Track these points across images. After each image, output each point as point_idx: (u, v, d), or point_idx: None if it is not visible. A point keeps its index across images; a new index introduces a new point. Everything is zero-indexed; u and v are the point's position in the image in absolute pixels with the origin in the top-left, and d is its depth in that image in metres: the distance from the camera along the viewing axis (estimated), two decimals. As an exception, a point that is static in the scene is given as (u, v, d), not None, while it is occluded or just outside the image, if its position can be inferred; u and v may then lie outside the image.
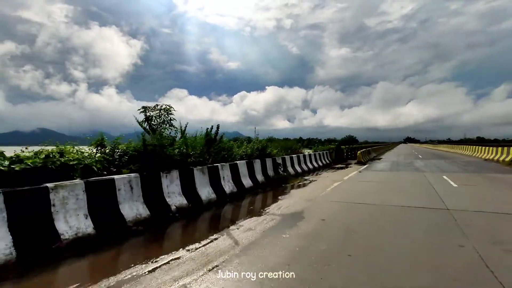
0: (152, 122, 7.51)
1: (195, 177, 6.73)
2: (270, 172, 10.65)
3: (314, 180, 11.08)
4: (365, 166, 17.29)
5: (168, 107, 7.64)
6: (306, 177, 12.07)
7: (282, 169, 11.51)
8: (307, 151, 19.83)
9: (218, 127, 7.96)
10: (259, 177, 9.73)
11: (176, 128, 7.80)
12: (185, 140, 7.08)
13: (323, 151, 19.46)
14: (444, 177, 11.30)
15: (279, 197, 7.73)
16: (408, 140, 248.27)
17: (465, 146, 34.36)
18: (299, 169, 13.46)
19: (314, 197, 7.57)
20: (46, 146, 5.04)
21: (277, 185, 9.82)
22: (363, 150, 21.46)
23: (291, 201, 7.20)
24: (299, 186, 9.66)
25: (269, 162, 10.76)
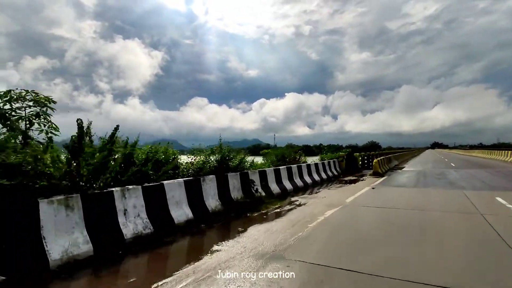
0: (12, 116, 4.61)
1: (40, 219, 3.67)
2: (236, 194, 7.43)
3: (302, 204, 7.72)
4: (383, 178, 13.62)
5: (35, 95, 4.70)
6: (294, 198, 8.71)
7: (256, 188, 8.23)
8: (313, 160, 16.49)
9: (116, 128, 4.80)
10: (212, 202, 6.54)
11: (56, 127, 4.85)
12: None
13: (330, 159, 15.94)
14: (498, 199, 7.59)
15: (216, 246, 4.49)
16: (436, 145, 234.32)
17: (506, 151, 29.34)
18: (288, 186, 10.09)
19: (274, 248, 4.28)
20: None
21: (238, 215, 6.57)
22: (382, 157, 17.68)
23: (228, 255, 3.96)
24: (269, 218, 6.35)
25: (234, 179, 7.54)
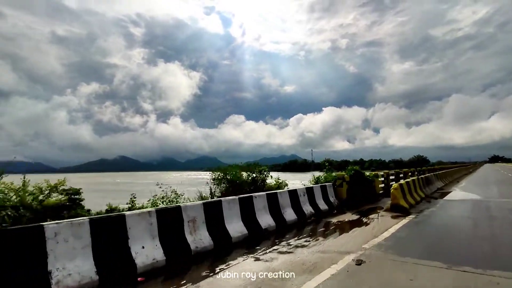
0: None
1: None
2: None
3: None
4: (404, 221, 7.36)
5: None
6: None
7: None
8: (303, 183, 10.89)
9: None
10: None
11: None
12: None
13: (322, 183, 10.00)
14: None
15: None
16: (496, 158, 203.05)
17: None
18: (192, 241, 4.69)
19: None
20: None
21: None
22: (411, 179, 11.18)
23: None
24: None
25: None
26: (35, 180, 5.93)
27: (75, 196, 7.36)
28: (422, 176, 13.98)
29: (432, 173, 16.72)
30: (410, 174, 16.58)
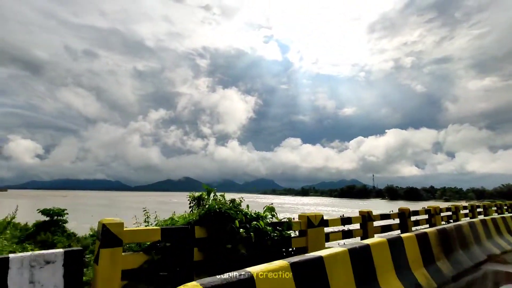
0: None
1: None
2: None
3: None
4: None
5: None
6: None
7: None
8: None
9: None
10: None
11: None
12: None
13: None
14: None
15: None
16: None
17: None
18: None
19: None
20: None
21: None
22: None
23: None
24: None
25: None
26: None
27: (59, 217, 7.13)
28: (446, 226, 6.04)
29: (464, 223, 6.75)
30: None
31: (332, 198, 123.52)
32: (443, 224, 8.04)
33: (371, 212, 6.83)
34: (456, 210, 10.40)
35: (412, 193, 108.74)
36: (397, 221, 7.94)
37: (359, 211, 6.89)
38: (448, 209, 10.28)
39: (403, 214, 7.92)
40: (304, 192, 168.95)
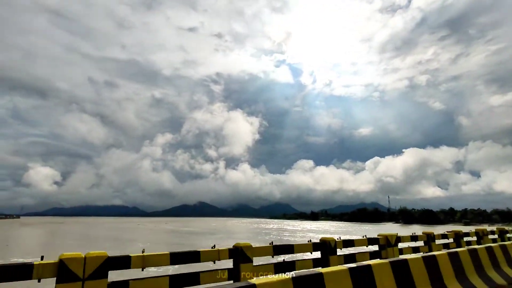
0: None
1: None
2: None
3: None
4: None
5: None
6: None
7: None
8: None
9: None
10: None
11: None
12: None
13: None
14: None
15: None
16: None
17: None
18: None
19: None
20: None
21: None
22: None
23: None
24: None
25: None
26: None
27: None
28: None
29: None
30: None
31: (342, 222, 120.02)
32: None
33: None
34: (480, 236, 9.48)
35: (428, 216, 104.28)
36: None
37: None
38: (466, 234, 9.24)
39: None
40: (314, 216, 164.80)
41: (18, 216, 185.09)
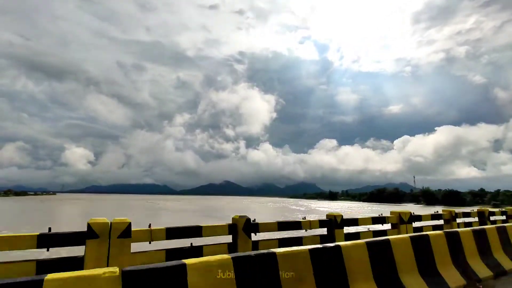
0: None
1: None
2: None
3: None
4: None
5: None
6: None
7: None
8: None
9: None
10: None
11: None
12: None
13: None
14: None
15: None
16: None
17: None
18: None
19: None
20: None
21: None
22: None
23: None
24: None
25: None
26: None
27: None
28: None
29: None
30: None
31: (360, 202, 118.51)
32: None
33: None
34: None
35: (452, 197, 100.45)
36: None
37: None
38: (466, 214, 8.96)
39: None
40: (332, 195, 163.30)
41: (54, 193, 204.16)
